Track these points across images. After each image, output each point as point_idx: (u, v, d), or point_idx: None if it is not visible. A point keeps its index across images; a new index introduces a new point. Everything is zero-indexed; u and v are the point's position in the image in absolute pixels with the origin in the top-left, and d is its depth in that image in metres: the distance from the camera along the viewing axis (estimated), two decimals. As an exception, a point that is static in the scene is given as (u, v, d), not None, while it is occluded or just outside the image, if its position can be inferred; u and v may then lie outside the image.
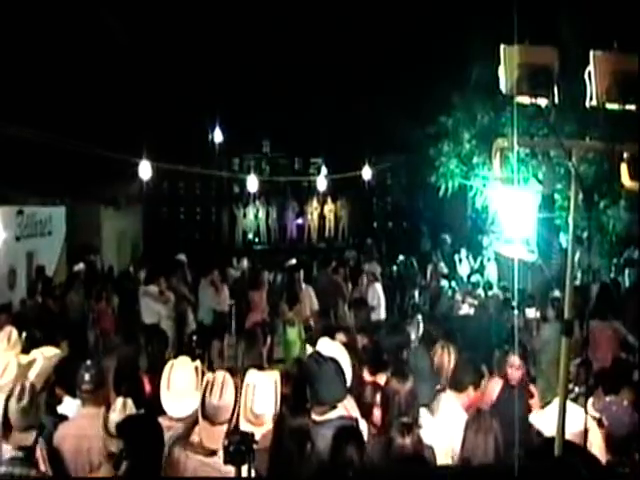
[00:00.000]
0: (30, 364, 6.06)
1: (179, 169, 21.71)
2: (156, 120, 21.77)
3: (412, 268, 19.28)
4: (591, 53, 4.58)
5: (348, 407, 5.53)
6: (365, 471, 4.55)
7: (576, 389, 6.84)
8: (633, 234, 13.56)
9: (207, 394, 4.86)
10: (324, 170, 27.01)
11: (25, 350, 6.71)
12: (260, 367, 6.39)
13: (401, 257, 19.27)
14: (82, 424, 5.20)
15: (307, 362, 5.64)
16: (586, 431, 4.61)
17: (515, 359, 7.05)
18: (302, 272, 16.11)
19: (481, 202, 15.12)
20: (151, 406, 5.46)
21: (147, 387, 6.67)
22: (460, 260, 19.35)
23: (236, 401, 5.02)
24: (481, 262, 18.80)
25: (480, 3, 14.16)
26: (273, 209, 28.87)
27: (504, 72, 4.53)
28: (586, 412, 4.71)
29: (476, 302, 12.78)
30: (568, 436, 4.56)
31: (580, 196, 4.73)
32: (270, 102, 24.59)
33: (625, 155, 4.78)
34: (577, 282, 5.25)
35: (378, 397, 5.74)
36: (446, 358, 6.89)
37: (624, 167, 4.80)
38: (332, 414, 5.28)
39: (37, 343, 6.94)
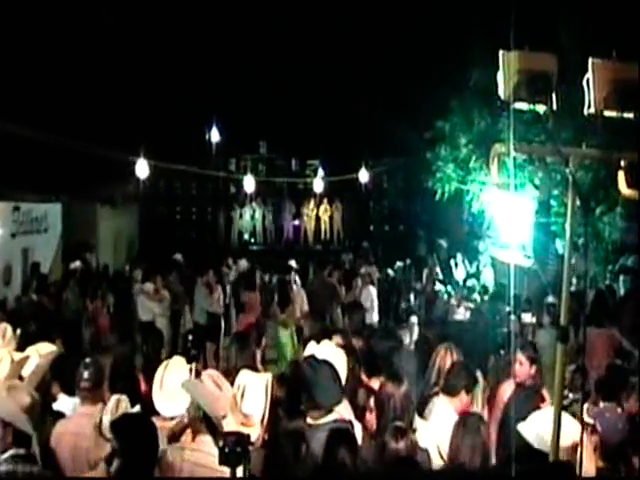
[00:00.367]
0: (24, 361, 6.06)
1: (176, 169, 21.68)
2: (154, 119, 21.76)
3: (408, 272, 19.30)
4: (590, 60, 4.59)
5: (343, 411, 5.53)
6: (359, 474, 4.56)
7: (570, 395, 6.83)
8: (628, 241, 13.59)
9: (204, 403, 4.91)
10: (321, 172, 27.02)
11: (20, 347, 6.71)
12: (254, 368, 6.41)
13: (399, 263, 19.27)
14: (80, 422, 5.20)
15: (302, 366, 5.65)
16: (577, 438, 4.62)
17: (521, 355, 7.05)
18: (294, 274, 16.16)
19: (477, 207, 15.15)
20: (146, 405, 5.47)
21: (142, 386, 6.67)
22: (456, 264, 19.37)
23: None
24: (477, 267, 18.82)
25: (479, 8, 14.17)
26: (269, 210, 28.84)
27: (503, 78, 4.53)
28: (580, 418, 4.71)
29: (472, 306, 12.80)
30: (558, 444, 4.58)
31: (577, 203, 4.74)
32: (268, 103, 24.58)
33: (623, 163, 4.79)
34: (572, 288, 5.26)
35: (372, 401, 5.75)
36: (449, 360, 6.93)
37: (621, 175, 4.81)
38: (328, 418, 5.28)
39: (32, 340, 6.95)
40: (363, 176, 22.19)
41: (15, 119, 12.95)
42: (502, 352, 9.50)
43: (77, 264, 16.71)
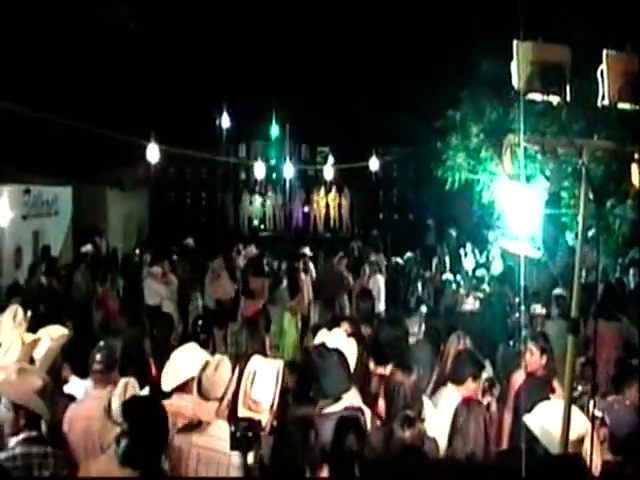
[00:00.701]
0: (35, 343, 6.09)
1: (186, 153, 21.68)
2: (165, 104, 21.77)
3: (417, 261, 19.27)
4: (604, 52, 4.57)
5: (352, 398, 5.55)
6: (366, 462, 4.58)
7: (579, 387, 6.84)
8: (639, 234, 13.54)
9: (204, 371, 5.01)
10: (331, 159, 26.97)
11: (31, 329, 6.74)
12: (264, 354, 6.45)
13: (408, 254, 19.24)
14: (92, 405, 5.24)
15: (311, 354, 5.67)
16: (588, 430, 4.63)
17: (532, 345, 7.07)
18: (306, 261, 16.15)
19: (488, 197, 15.11)
20: (156, 388, 5.51)
21: (153, 370, 6.72)
22: (465, 254, 19.33)
23: (238, 385, 5.09)
24: (487, 256, 18.78)
25: (491, -2, 14.11)
26: (279, 197, 28.82)
27: (516, 68, 4.52)
28: (592, 412, 4.72)
29: (481, 296, 12.78)
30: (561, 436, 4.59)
31: (590, 195, 4.73)
32: (279, 89, 24.54)
33: (636, 156, 4.78)
34: (582, 281, 5.25)
35: (381, 388, 5.77)
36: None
37: (635, 167, 4.79)
38: (337, 406, 5.31)
39: (42, 322, 6.98)
40: (373, 164, 22.15)
41: (26, 102, 12.96)
42: (511, 342, 9.51)
43: (88, 247, 16.76)
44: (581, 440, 4.66)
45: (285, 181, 28.36)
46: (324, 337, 6.36)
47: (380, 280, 15.00)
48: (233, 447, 3.39)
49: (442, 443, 5.40)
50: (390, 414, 5.44)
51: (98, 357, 5.71)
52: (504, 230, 15.45)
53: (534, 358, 7.06)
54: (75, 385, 6.13)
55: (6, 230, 15.66)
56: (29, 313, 7.33)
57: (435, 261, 18.99)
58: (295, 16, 22.63)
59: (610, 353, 9.10)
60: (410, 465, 4.62)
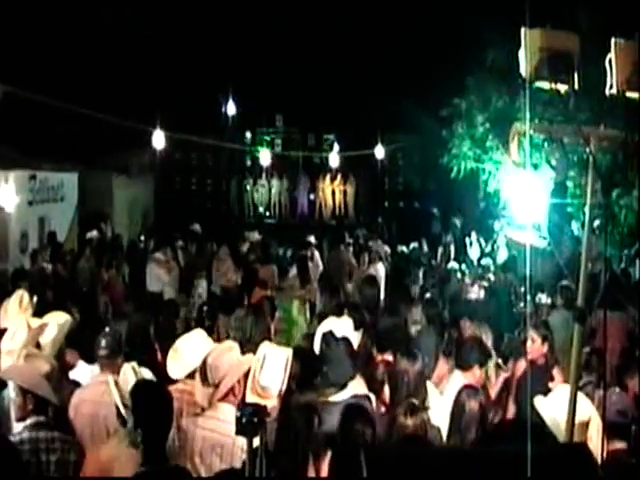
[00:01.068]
0: (41, 328, 6.12)
1: (192, 140, 21.68)
2: (171, 90, 21.74)
3: (421, 250, 19.27)
4: (613, 41, 4.54)
5: (357, 385, 5.56)
6: (370, 449, 4.58)
7: (584, 377, 6.83)
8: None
9: (208, 356, 5.03)
10: (337, 147, 26.93)
11: (36, 314, 6.77)
12: (269, 341, 6.47)
13: (413, 244, 19.23)
14: (99, 390, 5.26)
15: (317, 342, 5.67)
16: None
17: (533, 333, 7.08)
18: (312, 249, 16.14)
19: (493, 186, 15.10)
20: (162, 374, 5.54)
21: (158, 355, 6.74)
22: (471, 243, 19.32)
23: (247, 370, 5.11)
24: (492, 245, 18.77)
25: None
26: (284, 184, 28.78)
27: (524, 56, 4.49)
28: (592, 400, 4.74)
29: (486, 285, 12.79)
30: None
31: (597, 184, 4.72)
32: (285, 76, 24.48)
33: (643, 145, 4.77)
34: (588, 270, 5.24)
35: (386, 376, 5.78)
36: (483, 337, 7.00)
37: (642, 157, 4.79)
38: (344, 394, 5.32)
39: (48, 308, 7.01)
40: (379, 152, 22.14)
41: (33, 88, 12.96)
42: (516, 331, 9.51)
43: (93, 233, 16.79)
44: (585, 425, 4.68)
45: (290, 168, 28.34)
46: (331, 325, 6.36)
47: (380, 268, 14.95)
48: (238, 432, 3.39)
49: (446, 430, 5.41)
50: (394, 402, 5.45)
51: (103, 343, 5.73)
52: (510, 219, 15.44)
53: (535, 346, 7.07)
54: (82, 370, 6.16)
55: (12, 216, 15.69)
56: (35, 298, 7.37)
57: (440, 250, 18.98)
58: (301, 2, 22.56)
59: (614, 344, 9.08)
60: (411, 453, 4.63)
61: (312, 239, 17.52)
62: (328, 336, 5.64)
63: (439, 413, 5.48)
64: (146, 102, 18.23)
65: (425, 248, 19.53)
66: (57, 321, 6.26)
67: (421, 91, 20.71)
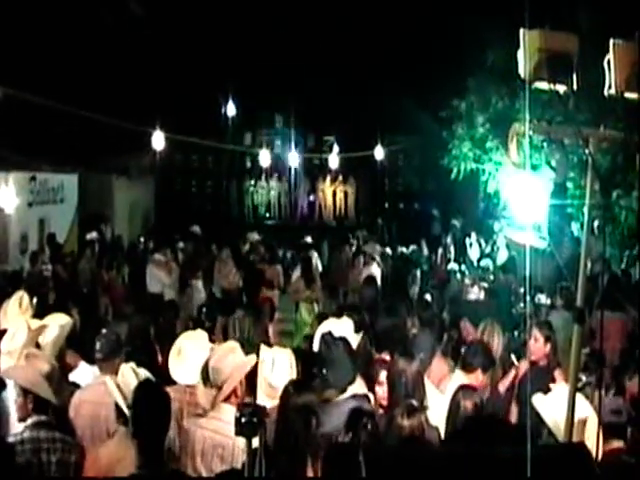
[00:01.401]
0: (41, 329, 6.12)
1: (192, 141, 21.69)
2: (170, 92, 21.76)
3: (421, 251, 19.28)
4: (611, 42, 4.54)
5: (357, 386, 5.55)
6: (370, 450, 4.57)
7: (583, 378, 6.82)
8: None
9: (210, 358, 5.03)
10: (336, 148, 26.95)
11: (36, 316, 6.77)
12: (267, 343, 6.47)
13: (412, 246, 19.22)
14: (99, 391, 5.26)
15: (317, 343, 5.66)
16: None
17: (537, 332, 7.05)
18: (312, 250, 16.15)
19: (493, 187, 15.10)
20: (162, 375, 5.54)
21: (159, 357, 6.74)
22: (471, 244, 19.33)
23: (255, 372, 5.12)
24: (492, 246, 18.77)
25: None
26: (284, 185, 28.80)
27: (523, 57, 4.49)
28: (592, 401, 4.75)
29: (486, 286, 12.79)
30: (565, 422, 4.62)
31: (596, 185, 4.72)
32: (284, 78, 24.50)
33: (643, 146, 4.77)
34: (587, 272, 5.21)
35: (383, 375, 5.77)
36: (495, 338, 6.99)
37: (641, 158, 4.79)
38: (344, 394, 5.32)
39: (48, 309, 7.01)
40: (379, 153, 22.15)
41: (32, 89, 12.97)
42: (516, 332, 9.51)
43: (93, 235, 16.81)
44: (583, 424, 4.68)
45: (290, 170, 28.36)
46: (331, 326, 6.35)
47: (374, 270, 14.93)
48: (238, 432, 3.39)
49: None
50: (392, 401, 5.45)
51: (98, 346, 5.76)
52: (509, 220, 15.45)
53: (538, 345, 7.01)
54: (84, 371, 6.17)
55: (12, 217, 15.70)
56: (35, 300, 7.38)
57: (440, 251, 18.99)
58: (301, 3, 22.57)
59: (614, 344, 9.09)
60: (409, 453, 4.62)
61: (309, 240, 17.53)
62: (327, 337, 5.63)
63: (438, 413, 5.48)
64: (146, 104, 18.26)
65: (425, 249, 19.54)
66: (57, 322, 6.26)
67: (421, 92, 20.75)
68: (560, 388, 5.21)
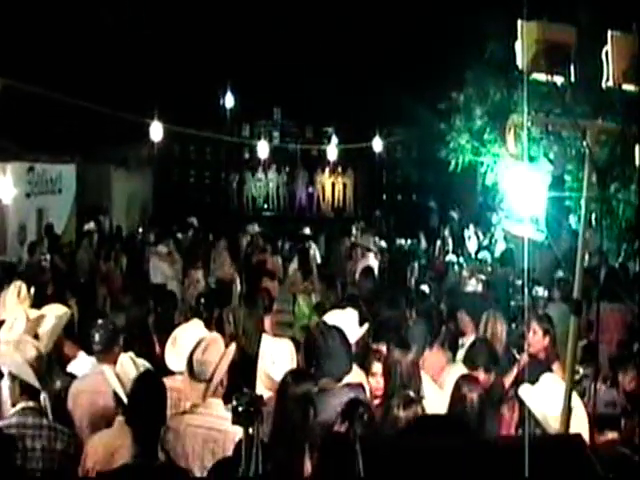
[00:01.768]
0: (39, 319, 6.12)
1: (190, 132, 21.66)
2: (169, 82, 21.73)
3: (419, 243, 19.30)
4: (609, 33, 4.54)
5: (354, 375, 5.56)
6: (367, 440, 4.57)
7: (581, 370, 6.82)
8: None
9: (194, 350, 4.99)
10: (335, 139, 26.93)
11: (34, 306, 6.78)
12: (261, 334, 6.49)
13: (410, 239, 19.22)
14: (97, 380, 5.28)
15: (313, 334, 5.67)
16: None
17: (536, 324, 7.05)
18: (308, 243, 16.16)
19: (491, 179, 15.09)
20: (160, 366, 5.55)
21: (157, 348, 6.76)
22: (469, 236, 19.34)
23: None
24: (490, 239, 18.78)
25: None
26: (283, 177, 28.79)
27: (521, 48, 4.48)
28: (590, 394, 4.76)
29: (484, 278, 12.80)
30: (555, 414, 4.63)
31: (594, 177, 4.72)
32: (283, 69, 24.47)
33: (642, 138, 4.77)
34: (585, 264, 5.20)
35: (379, 366, 5.78)
36: (499, 328, 6.99)
37: (639, 150, 4.78)
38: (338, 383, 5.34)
39: (46, 299, 7.02)
40: (377, 145, 22.12)
41: (30, 80, 12.95)
42: (514, 325, 9.51)
43: (91, 225, 16.81)
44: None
45: (289, 161, 28.33)
46: (335, 317, 6.33)
47: (371, 261, 14.91)
48: (235, 422, 3.38)
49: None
50: (387, 392, 5.47)
51: (96, 337, 5.79)
52: (508, 212, 15.46)
53: (536, 338, 7.01)
54: (83, 361, 6.19)
55: (10, 208, 15.71)
56: (32, 290, 7.39)
57: (438, 243, 19.00)
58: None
59: (612, 336, 9.09)
60: (405, 444, 4.62)
61: (307, 231, 17.52)
62: (323, 328, 5.62)
63: (435, 404, 5.49)
64: (145, 95, 18.23)
65: (423, 241, 19.55)
66: (55, 313, 6.27)
67: (419, 84, 20.70)
68: (547, 378, 5.20)
